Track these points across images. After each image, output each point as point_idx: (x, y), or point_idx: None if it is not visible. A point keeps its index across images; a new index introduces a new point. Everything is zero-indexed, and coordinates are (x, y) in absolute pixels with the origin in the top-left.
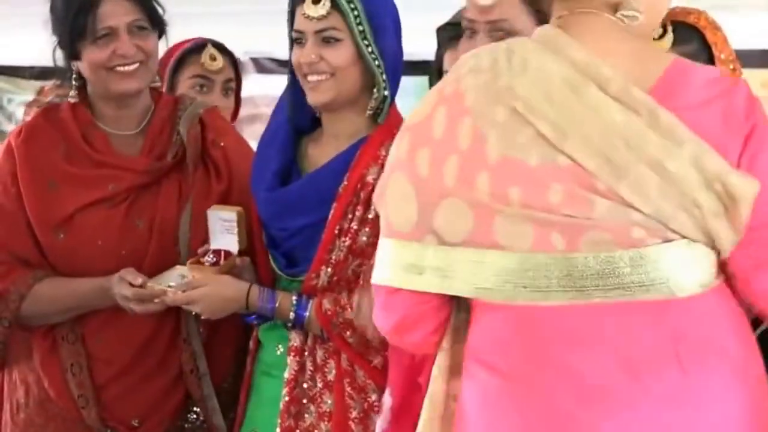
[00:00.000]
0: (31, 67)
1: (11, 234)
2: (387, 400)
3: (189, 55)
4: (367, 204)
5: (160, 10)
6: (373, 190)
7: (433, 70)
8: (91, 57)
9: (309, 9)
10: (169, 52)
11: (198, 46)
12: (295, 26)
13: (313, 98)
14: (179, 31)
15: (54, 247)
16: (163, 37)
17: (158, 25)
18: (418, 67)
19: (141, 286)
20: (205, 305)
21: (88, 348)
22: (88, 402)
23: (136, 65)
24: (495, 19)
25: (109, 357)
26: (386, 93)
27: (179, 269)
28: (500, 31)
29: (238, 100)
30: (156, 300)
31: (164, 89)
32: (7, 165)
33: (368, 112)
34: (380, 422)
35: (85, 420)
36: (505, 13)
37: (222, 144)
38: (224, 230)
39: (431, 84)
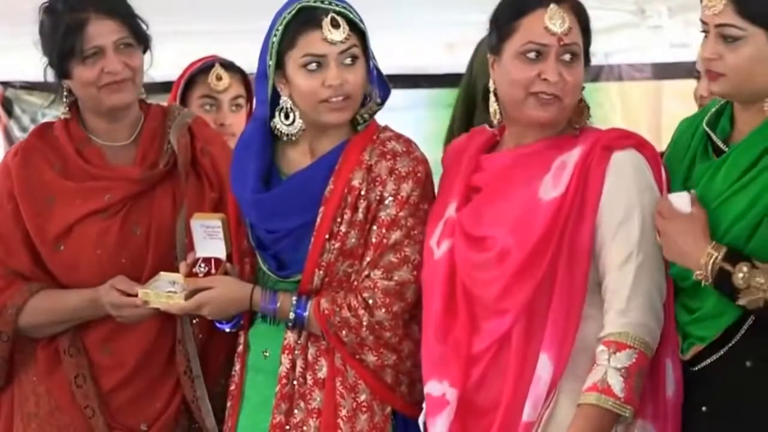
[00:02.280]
0: None
1: (7, 249)
2: None
3: (197, 75)
4: (355, 207)
5: (143, 26)
6: (359, 194)
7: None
8: (81, 76)
9: (331, 34)
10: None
11: (206, 67)
12: (311, 51)
13: (336, 118)
14: (211, 47)
15: (55, 259)
16: (148, 51)
17: (143, 41)
18: (431, 80)
19: (133, 295)
20: (213, 307)
21: (92, 358)
22: (94, 412)
23: (124, 81)
24: None
25: (115, 364)
26: (379, 102)
27: (168, 276)
28: None
29: (251, 115)
30: (150, 306)
31: None
32: (3, 183)
33: (359, 121)
34: None
35: (94, 430)
36: None
37: (210, 151)
38: (209, 237)
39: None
